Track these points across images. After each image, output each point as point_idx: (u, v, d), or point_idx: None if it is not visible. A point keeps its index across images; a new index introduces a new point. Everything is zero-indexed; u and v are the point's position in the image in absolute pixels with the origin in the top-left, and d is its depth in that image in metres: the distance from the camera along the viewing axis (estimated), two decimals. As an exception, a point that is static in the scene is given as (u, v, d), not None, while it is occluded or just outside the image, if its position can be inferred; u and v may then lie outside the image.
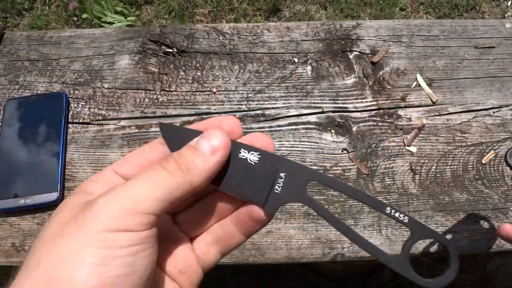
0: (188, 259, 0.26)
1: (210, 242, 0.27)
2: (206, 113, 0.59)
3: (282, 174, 0.26)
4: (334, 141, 0.57)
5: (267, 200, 0.25)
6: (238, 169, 0.26)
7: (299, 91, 0.60)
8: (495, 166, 0.56)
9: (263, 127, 0.58)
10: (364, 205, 0.54)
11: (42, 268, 0.19)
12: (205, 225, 0.27)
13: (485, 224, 0.52)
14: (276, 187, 0.25)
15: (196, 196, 0.26)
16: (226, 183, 0.25)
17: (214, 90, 0.61)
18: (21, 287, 0.19)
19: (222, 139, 0.24)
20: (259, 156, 0.26)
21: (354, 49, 0.63)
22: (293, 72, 0.62)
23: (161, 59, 0.63)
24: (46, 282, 0.19)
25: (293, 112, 0.59)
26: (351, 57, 0.63)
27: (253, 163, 0.26)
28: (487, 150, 0.57)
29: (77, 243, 0.20)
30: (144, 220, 0.21)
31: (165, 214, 0.26)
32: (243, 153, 0.26)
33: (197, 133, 0.25)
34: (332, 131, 0.58)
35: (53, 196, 0.53)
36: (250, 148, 0.26)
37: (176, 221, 0.27)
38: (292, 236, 0.52)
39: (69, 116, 0.60)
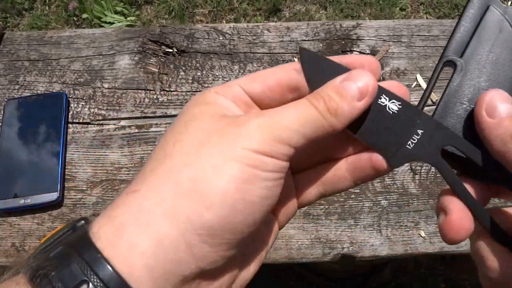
0: (289, 192, 0.26)
1: (315, 182, 0.26)
2: (206, 113, 0.59)
3: (419, 131, 0.24)
4: (334, 141, 0.57)
5: (394, 154, 0.24)
6: (374, 115, 0.24)
7: (299, 91, 0.60)
8: (495, 166, 0.56)
9: (263, 127, 0.58)
10: (364, 206, 0.54)
11: (188, 171, 0.20)
12: (313, 161, 0.26)
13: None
14: (409, 142, 0.24)
15: None
16: (358, 128, 0.24)
17: (214, 90, 0.61)
18: (164, 188, 0.20)
19: (371, 84, 0.22)
20: (400, 107, 0.24)
21: (354, 49, 0.63)
22: (293, 72, 0.62)
23: (161, 59, 0.63)
24: (192, 185, 0.19)
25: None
26: (351, 57, 0.63)
27: (391, 112, 0.24)
28: (487, 150, 0.57)
29: (228, 154, 0.20)
30: (287, 151, 0.21)
31: None
32: (383, 100, 0.24)
33: (341, 68, 0.23)
34: (332, 131, 0.58)
35: (53, 196, 0.53)
36: (392, 96, 0.24)
37: None
38: (292, 236, 0.52)
39: (69, 116, 0.60)
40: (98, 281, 0.18)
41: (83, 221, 0.21)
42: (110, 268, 0.18)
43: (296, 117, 0.21)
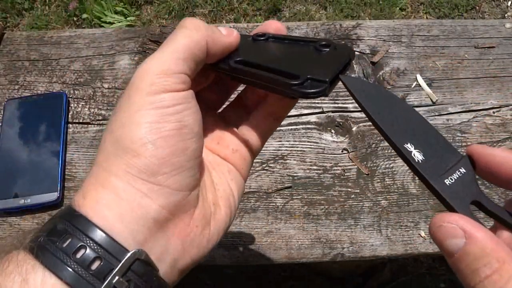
0: (238, 140, 0.30)
1: (251, 129, 0.30)
2: (206, 113, 0.59)
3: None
4: (334, 141, 0.57)
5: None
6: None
7: (299, 91, 0.60)
8: (495, 166, 0.56)
9: (263, 127, 0.58)
10: (364, 206, 0.54)
11: (112, 135, 0.24)
12: (244, 117, 0.31)
13: (485, 224, 0.52)
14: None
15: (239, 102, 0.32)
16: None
17: (214, 90, 0.61)
18: (103, 151, 0.24)
19: (235, 31, 0.28)
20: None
21: (354, 49, 0.63)
22: (293, 72, 0.62)
23: (161, 59, 0.63)
24: (117, 142, 0.23)
25: (293, 112, 0.59)
26: (351, 57, 0.63)
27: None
28: (487, 150, 0.56)
29: (133, 109, 0.23)
30: (178, 79, 0.24)
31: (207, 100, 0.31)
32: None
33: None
34: (332, 131, 0.58)
35: (53, 196, 0.53)
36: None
37: (222, 115, 0.32)
38: (292, 236, 0.52)
39: (69, 116, 0.60)
40: (89, 240, 0.21)
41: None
42: (98, 230, 0.21)
43: (167, 48, 0.25)
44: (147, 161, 0.22)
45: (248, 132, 0.30)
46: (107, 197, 0.22)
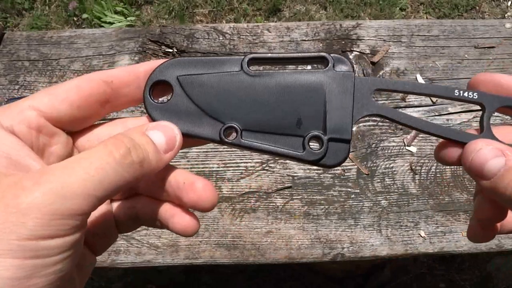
0: (108, 223, 0.24)
1: (130, 217, 0.24)
2: (206, 113, 0.59)
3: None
4: (334, 141, 0.57)
5: None
6: None
7: (299, 91, 0.60)
8: (495, 166, 0.56)
9: (263, 127, 0.58)
10: (364, 206, 0.54)
11: None
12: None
13: (485, 224, 0.52)
14: None
15: None
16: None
17: (214, 90, 0.61)
18: None
19: (179, 138, 0.21)
20: None
21: (354, 49, 0.63)
22: (293, 72, 0.62)
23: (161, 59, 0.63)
24: None
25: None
26: (351, 57, 0.63)
27: None
28: (487, 150, 0.57)
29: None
30: (75, 222, 0.17)
31: None
32: None
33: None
34: (332, 131, 0.58)
35: (53, 196, 0.53)
36: None
37: None
38: (292, 236, 0.52)
39: (69, 116, 0.60)
40: None
41: None
42: None
43: (85, 172, 0.17)
44: None
45: (124, 218, 0.24)
46: None
